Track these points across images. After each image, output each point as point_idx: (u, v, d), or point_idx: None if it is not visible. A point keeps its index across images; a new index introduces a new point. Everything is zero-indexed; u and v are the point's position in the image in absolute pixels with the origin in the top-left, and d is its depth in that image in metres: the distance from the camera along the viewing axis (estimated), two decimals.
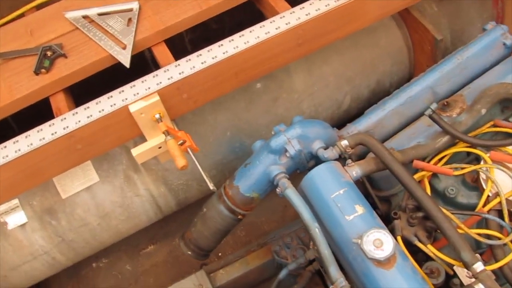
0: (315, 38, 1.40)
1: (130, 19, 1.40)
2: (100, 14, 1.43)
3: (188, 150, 1.31)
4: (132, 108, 1.24)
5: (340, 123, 1.86)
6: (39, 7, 1.57)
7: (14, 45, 1.44)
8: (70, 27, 1.44)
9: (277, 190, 1.29)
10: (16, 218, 1.51)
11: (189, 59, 1.30)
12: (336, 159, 1.29)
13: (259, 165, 1.34)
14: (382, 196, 1.42)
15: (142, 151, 1.33)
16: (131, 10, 1.42)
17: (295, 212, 1.18)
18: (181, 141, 1.29)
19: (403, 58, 1.86)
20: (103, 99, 1.27)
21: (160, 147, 1.35)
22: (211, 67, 1.29)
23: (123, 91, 1.28)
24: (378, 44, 1.81)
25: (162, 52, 1.36)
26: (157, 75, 1.29)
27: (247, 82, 1.39)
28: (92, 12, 1.44)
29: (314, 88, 1.74)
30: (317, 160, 1.35)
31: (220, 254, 2.03)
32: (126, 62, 1.31)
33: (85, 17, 1.44)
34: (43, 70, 1.32)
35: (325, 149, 1.31)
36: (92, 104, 1.26)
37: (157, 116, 1.28)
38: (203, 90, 1.34)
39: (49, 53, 1.35)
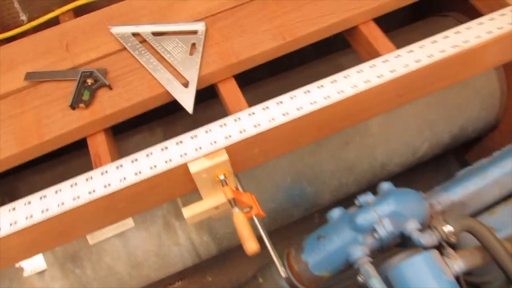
0: (420, 88, 1.12)
1: (193, 45, 1.10)
2: (155, 34, 1.13)
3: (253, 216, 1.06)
4: (193, 168, 0.97)
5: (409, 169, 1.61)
6: (77, 11, 1.28)
7: (46, 61, 1.16)
8: (117, 46, 1.15)
9: (359, 278, 1.05)
10: (34, 264, 1.27)
11: (278, 105, 1.02)
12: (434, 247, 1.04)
13: (337, 241, 1.09)
14: (471, 281, 1.19)
15: (196, 213, 1.07)
16: (195, 32, 1.12)
17: None
18: (247, 209, 1.03)
19: (493, 102, 1.58)
20: (156, 150, 0.99)
21: (217, 208, 1.09)
22: (294, 120, 1.01)
23: (181, 141, 1.00)
24: (469, 85, 1.53)
25: (231, 93, 1.07)
26: (225, 124, 1.01)
27: (329, 135, 1.12)
28: (145, 29, 1.14)
29: (390, 131, 1.47)
30: (403, 238, 1.10)
31: None
32: (189, 106, 1.02)
33: (135, 34, 1.15)
34: (81, 105, 1.04)
35: (420, 230, 1.06)
36: (141, 156, 0.99)
37: (222, 177, 1.01)
38: (278, 144, 1.06)
39: (89, 81, 1.06)
